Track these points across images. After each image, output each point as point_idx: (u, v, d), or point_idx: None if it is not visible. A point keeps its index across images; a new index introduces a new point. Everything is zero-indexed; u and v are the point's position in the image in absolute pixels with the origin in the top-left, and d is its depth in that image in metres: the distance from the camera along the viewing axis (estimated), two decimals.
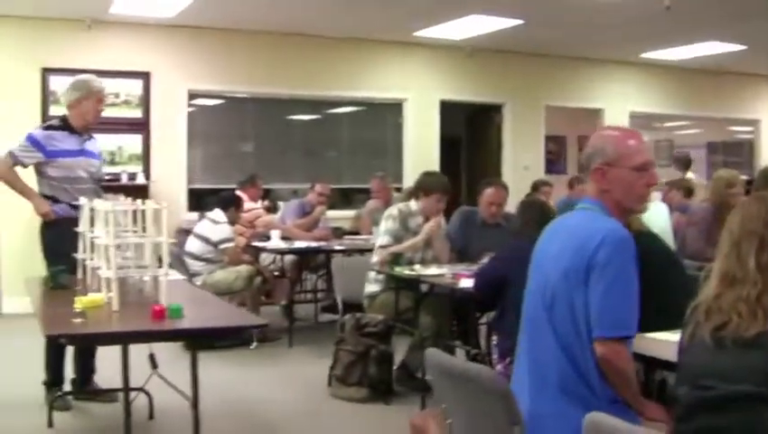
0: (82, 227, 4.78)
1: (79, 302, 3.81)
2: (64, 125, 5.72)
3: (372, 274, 6.37)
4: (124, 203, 4.38)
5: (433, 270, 5.96)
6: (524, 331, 3.03)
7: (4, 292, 9.48)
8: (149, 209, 4.22)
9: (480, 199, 6.61)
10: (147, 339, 4.04)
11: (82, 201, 4.85)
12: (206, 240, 7.79)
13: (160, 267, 4.18)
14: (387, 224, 6.38)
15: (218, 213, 7.94)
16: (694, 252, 6.58)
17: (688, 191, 8.50)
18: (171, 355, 4.97)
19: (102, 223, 4.14)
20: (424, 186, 6.45)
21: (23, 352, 6.97)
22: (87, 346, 5.43)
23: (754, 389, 2.10)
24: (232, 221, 8.04)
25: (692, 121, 14.69)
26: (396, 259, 6.02)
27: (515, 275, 4.83)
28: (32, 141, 5.62)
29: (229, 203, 8.07)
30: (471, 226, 6.69)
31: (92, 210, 4.51)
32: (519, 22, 9.97)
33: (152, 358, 4.54)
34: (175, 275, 5.36)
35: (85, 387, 5.79)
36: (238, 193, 8.74)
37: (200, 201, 10.11)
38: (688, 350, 2.36)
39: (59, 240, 5.50)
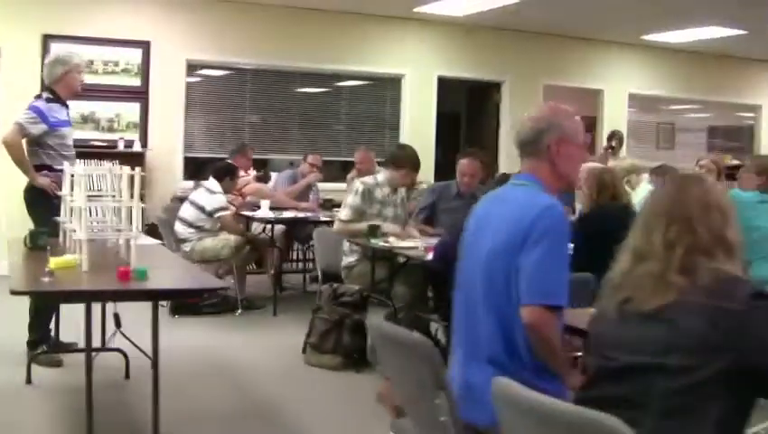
0: (64, 191, 4.92)
1: (53, 263, 3.94)
2: (55, 97, 5.92)
3: (349, 245, 6.50)
4: (100, 168, 4.51)
5: (407, 243, 6.08)
6: (459, 300, 3.07)
7: None
8: (125, 174, 4.35)
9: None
10: (110, 298, 4.19)
11: (65, 166, 5.00)
12: (201, 209, 7.85)
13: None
14: (349, 198, 6.53)
15: (213, 183, 8.01)
16: None
17: None
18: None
19: (78, 187, 4.27)
20: (395, 159, 6.64)
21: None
22: (51, 304, 5.54)
23: (651, 360, 2.20)
24: (227, 191, 8.15)
25: (696, 105, 14.68)
26: (372, 230, 6.12)
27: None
28: (38, 112, 5.81)
29: (225, 174, 8.16)
30: (443, 199, 6.84)
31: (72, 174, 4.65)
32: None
33: (116, 317, 4.68)
34: (147, 239, 5.50)
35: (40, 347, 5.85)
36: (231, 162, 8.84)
37: (198, 170, 10.20)
38: (598, 322, 2.48)
39: (45, 203, 5.69)
